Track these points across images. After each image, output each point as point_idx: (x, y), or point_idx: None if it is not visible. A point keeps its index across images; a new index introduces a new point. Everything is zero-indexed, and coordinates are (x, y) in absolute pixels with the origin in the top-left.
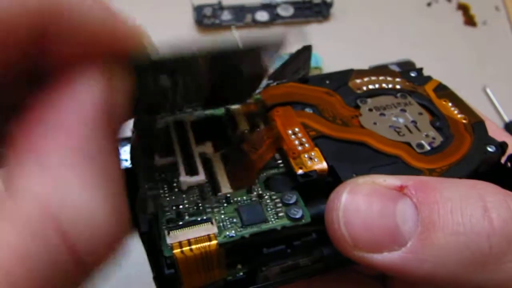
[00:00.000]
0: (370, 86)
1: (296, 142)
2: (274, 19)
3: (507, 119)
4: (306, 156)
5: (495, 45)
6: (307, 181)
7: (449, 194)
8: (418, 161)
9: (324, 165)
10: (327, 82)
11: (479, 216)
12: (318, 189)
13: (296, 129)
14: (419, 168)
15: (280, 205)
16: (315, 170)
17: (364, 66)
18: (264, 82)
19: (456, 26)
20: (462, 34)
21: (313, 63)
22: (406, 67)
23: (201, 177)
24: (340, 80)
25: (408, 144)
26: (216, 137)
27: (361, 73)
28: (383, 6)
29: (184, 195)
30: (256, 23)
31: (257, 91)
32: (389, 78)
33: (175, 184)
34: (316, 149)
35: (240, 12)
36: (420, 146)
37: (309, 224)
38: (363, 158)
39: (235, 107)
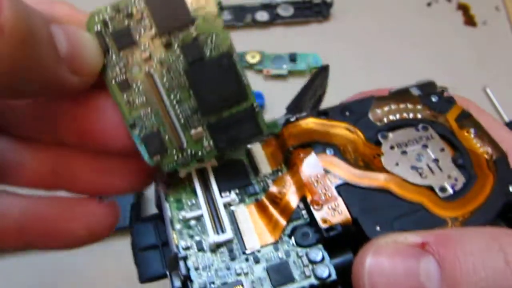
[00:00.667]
0: (391, 117)
1: (319, 191)
2: (274, 19)
3: (507, 119)
4: (329, 207)
5: (495, 45)
6: (332, 235)
7: (470, 248)
8: (440, 208)
9: (348, 217)
10: (347, 113)
11: (501, 269)
12: (343, 239)
13: (319, 176)
14: (442, 217)
15: (307, 262)
16: (339, 224)
17: (364, 66)
18: (283, 118)
19: (456, 26)
20: (462, 34)
21: (313, 63)
22: (427, 89)
23: (228, 235)
24: (361, 112)
25: (431, 188)
26: (240, 183)
27: (381, 102)
28: (383, 6)
29: (212, 254)
30: (256, 23)
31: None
32: (409, 106)
33: (203, 241)
34: (340, 199)
35: (240, 12)
36: (443, 189)
37: (335, 280)
38: (386, 206)
39: (256, 147)
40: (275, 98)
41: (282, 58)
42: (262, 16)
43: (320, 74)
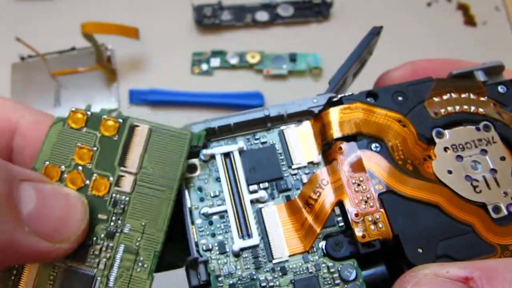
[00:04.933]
0: (450, 108)
1: (360, 197)
2: (274, 19)
3: None
4: (370, 219)
5: (495, 45)
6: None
7: None
8: (491, 233)
9: (389, 232)
10: (400, 98)
11: None
12: (378, 253)
13: (361, 178)
14: (491, 244)
15: (338, 281)
16: (378, 239)
17: (366, 67)
18: (325, 95)
19: (456, 26)
20: (462, 34)
21: (312, 63)
22: (494, 72)
23: (255, 240)
24: (416, 98)
25: (484, 206)
26: (270, 175)
27: (441, 87)
28: (383, 6)
29: (236, 260)
30: (256, 23)
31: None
32: (472, 97)
33: (226, 243)
34: (382, 210)
35: (240, 12)
36: (497, 209)
37: None
38: (432, 225)
39: (290, 129)
40: (275, 98)
41: (282, 58)
42: (262, 16)
43: (373, 37)
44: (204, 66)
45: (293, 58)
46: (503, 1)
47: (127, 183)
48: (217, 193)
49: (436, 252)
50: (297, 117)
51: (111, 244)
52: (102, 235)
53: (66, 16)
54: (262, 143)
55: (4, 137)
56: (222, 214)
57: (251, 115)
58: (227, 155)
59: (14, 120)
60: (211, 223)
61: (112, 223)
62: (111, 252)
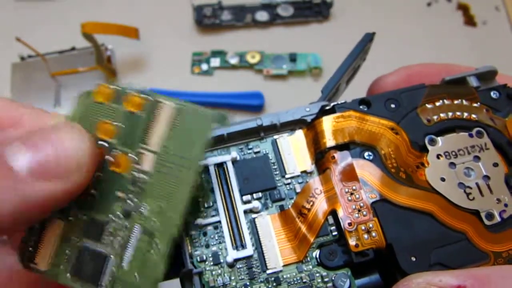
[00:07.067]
0: (442, 115)
1: (353, 206)
2: (274, 19)
3: None
4: (363, 228)
5: (495, 45)
6: (362, 261)
7: None
8: (484, 240)
9: (382, 241)
10: (393, 106)
11: None
12: (371, 262)
13: (354, 187)
14: (484, 251)
15: None
16: (372, 248)
17: (364, 66)
18: (318, 104)
19: (456, 26)
20: (462, 34)
21: (312, 63)
22: (487, 78)
23: (249, 251)
24: (409, 105)
25: (477, 213)
26: (263, 185)
27: (434, 94)
28: (383, 6)
29: (230, 270)
30: (256, 23)
31: (310, 114)
32: (465, 103)
33: (220, 254)
34: (375, 219)
35: (240, 12)
36: (490, 216)
37: None
38: (426, 233)
39: (283, 139)
40: (275, 98)
41: (282, 58)
42: (262, 16)
43: (366, 44)
44: (204, 66)
45: (293, 58)
46: (503, 1)
47: (147, 162)
48: (211, 204)
49: (430, 261)
50: (290, 126)
51: (127, 224)
52: (119, 214)
53: (66, 16)
54: (255, 152)
55: None
56: (216, 225)
57: (244, 125)
58: (220, 165)
59: (15, 120)
60: (205, 234)
61: (129, 202)
62: (127, 232)
